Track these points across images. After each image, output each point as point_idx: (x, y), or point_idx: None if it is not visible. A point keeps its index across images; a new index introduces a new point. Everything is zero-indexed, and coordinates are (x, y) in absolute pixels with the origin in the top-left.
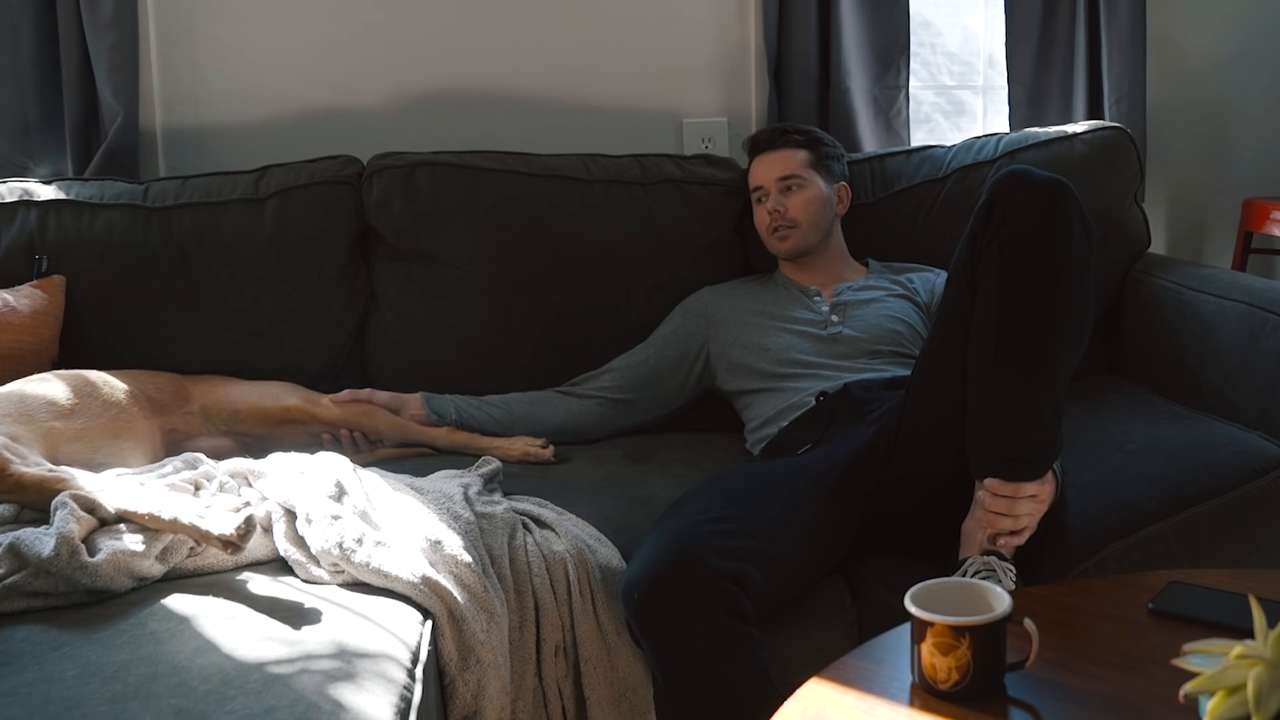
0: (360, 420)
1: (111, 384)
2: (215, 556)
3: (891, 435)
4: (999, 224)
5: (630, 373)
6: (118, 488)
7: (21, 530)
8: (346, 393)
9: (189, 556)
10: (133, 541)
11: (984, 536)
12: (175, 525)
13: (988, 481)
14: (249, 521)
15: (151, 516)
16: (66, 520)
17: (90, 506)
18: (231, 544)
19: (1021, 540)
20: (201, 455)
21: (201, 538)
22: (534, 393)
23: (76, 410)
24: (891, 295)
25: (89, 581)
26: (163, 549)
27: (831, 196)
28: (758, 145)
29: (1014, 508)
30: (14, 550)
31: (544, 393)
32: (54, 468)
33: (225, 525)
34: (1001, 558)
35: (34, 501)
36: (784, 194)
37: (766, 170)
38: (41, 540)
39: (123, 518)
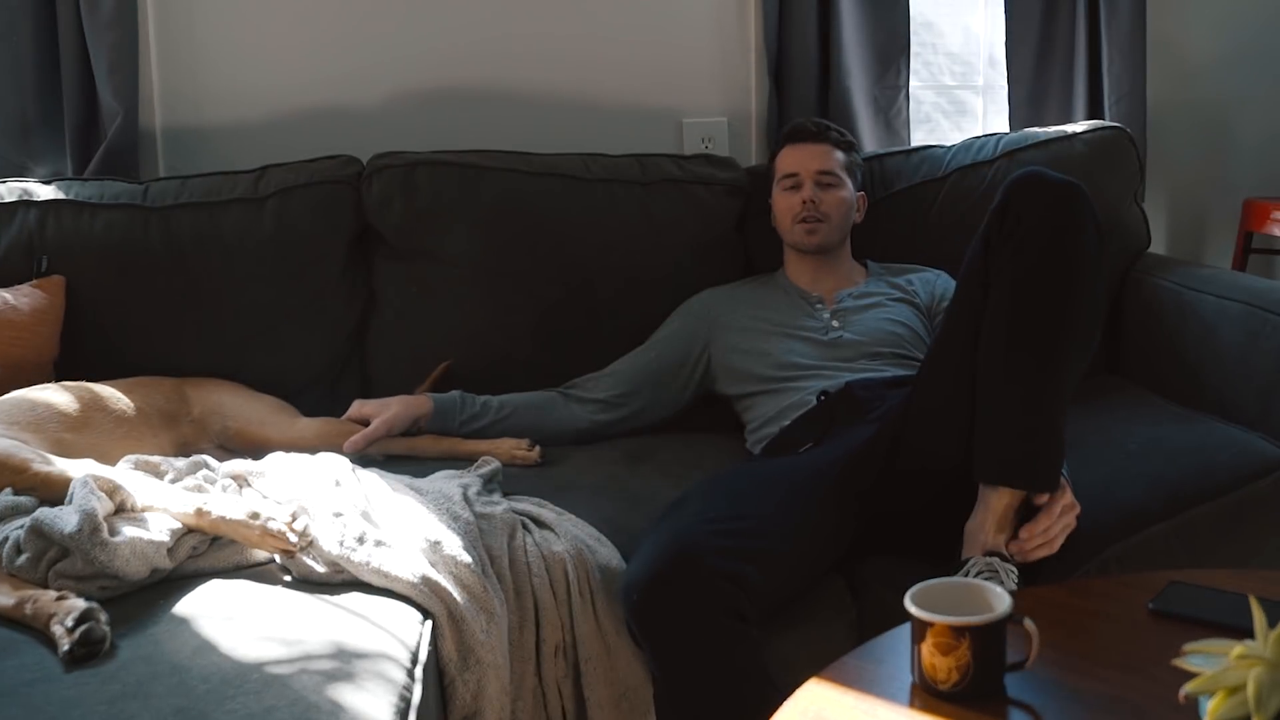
0: (340, 441)
1: (121, 399)
2: (216, 556)
3: (895, 431)
4: (1013, 225)
5: (632, 376)
6: (151, 485)
7: (39, 510)
8: (355, 406)
9: (191, 557)
10: (157, 532)
11: (987, 538)
12: (222, 523)
13: (1005, 496)
14: (306, 530)
15: (200, 512)
16: (88, 498)
17: (110, 489)
18: (290, 551)
19: (1054, 549)
20: (207, 457)
21: (260, 536)
22: (535, 395)
23: (88, 424)
24: (892, 299)
25: (107, 559)
26: (177, 544)
27: (855, 202)
28: (802, 133)
29: (1051, 531)
30: (37, 530)
31: (545, 395)
32: (74, 462)
33: (286, 529)
34: (1004, 558)
35: (58, 499)
36: (821, 188)
37: (807, 160)
38: (62, 518)
39: (148, 509)
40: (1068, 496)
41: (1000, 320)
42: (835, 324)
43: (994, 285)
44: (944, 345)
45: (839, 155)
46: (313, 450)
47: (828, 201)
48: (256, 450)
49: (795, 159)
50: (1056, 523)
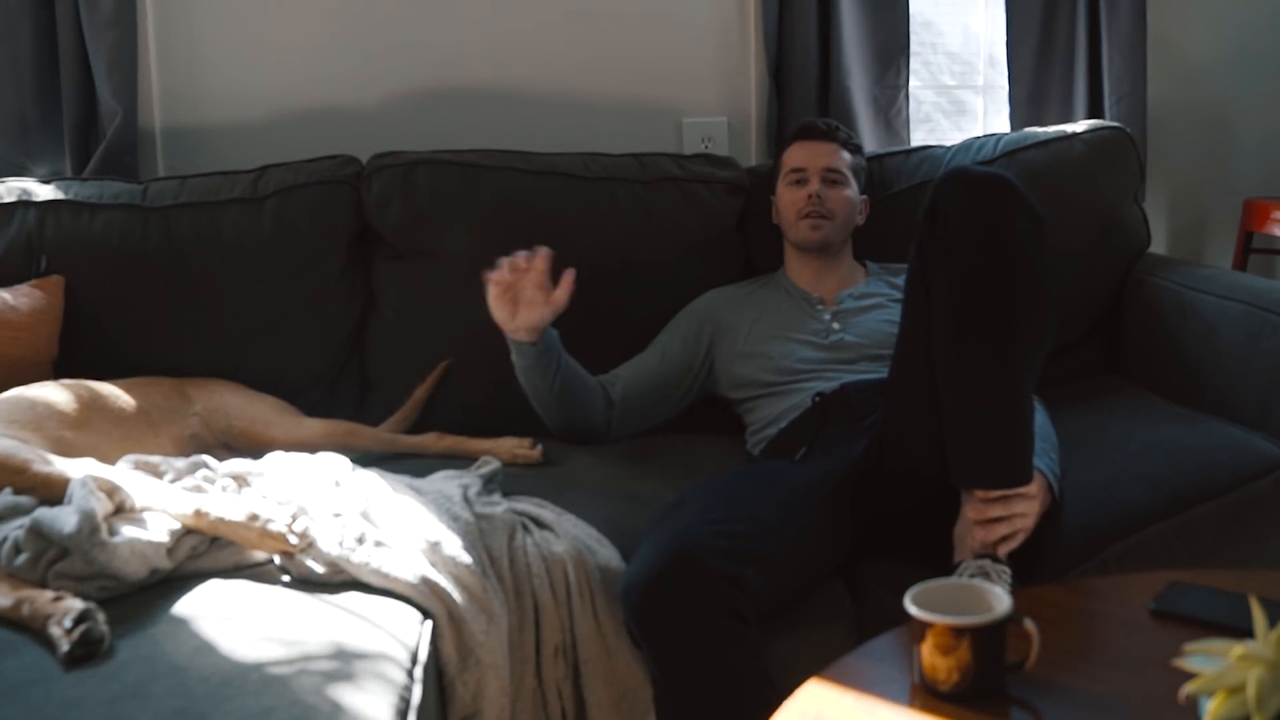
0: (345, 441)
1: (121, 398)
2: (215, 556)
3: (883, 438)
4: (943, 226)
5: (639, 381)
6: (150, 485)
7: (38, 510)
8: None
9: (190, 557)
10: (156, 532)
11: (977, 541)
12: (221, 524)
13: (976, 495)
14: (306, 532)
15: (198, 513)
16: (87, 498)
17: (109, 489)
18: (290, 553)
19: (1018, 543)
20: (207, 457)
21: (260, 537)
22: (590, 380)
23: (88, 422)
24: (892, 300)
25: (106, 560)
26: (177, 545)
27: (858, 204)
28: (811, 131)
29: (1010, 508)
30: (36, 531)
31: (595, 383)
32: (74, 461)
33: (286, 530)
34: (995, 560)
35: (58, 499)
36: (827, 185)
37: (815, 157)
38: (61, 518)
39: (147, 509)
40: (1024, 487)
41: (947, 323)
42: (836, 326)
43: (934, 288)
44: (903, 354)
45: (846, 155)
46: (317, 450)
47: (833, 199)
48: (260, 450)
49: (803, 155)
50: (1013, 504)
